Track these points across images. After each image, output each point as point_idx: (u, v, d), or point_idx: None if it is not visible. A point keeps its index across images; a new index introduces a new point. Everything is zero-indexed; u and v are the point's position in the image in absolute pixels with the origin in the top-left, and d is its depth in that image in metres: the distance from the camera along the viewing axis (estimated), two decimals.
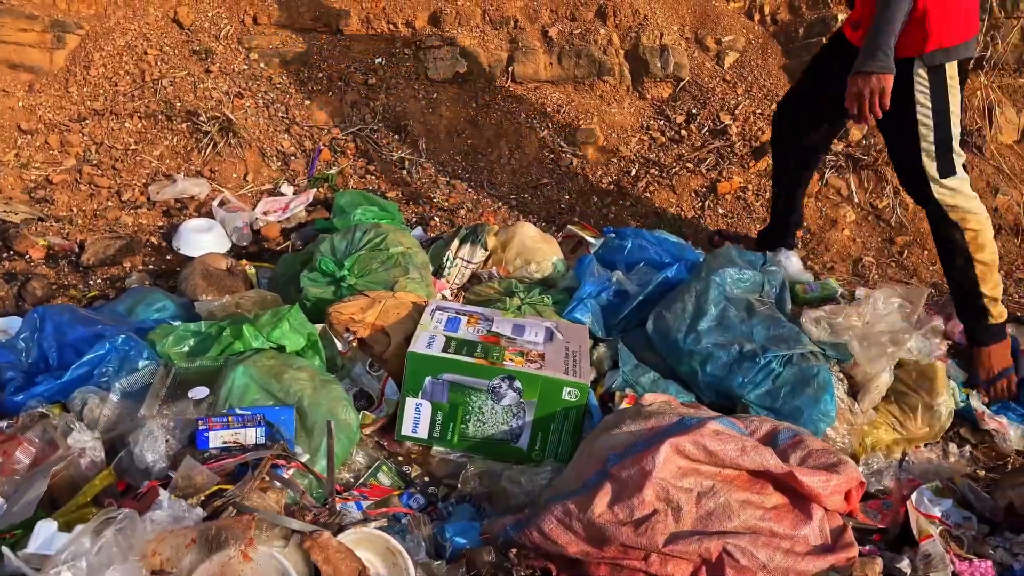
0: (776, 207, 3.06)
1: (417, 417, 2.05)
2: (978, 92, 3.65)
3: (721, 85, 3.97)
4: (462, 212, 3.52)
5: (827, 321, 2.39)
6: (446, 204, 3.59)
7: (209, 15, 4.11)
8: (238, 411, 1.99)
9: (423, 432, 2.07)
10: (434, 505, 2.01)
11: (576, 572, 1.73)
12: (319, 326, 2.24)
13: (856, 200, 3.47)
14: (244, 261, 2.82)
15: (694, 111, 3.89)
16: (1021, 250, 3.35)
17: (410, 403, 2.05)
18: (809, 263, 3.24)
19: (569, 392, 2.03)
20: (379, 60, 4.06)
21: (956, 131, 2.42)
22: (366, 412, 2.14)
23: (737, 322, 2.40)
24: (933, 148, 2.40)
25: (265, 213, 3.31)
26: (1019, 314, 2.97)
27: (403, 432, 2.08)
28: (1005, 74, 3.76)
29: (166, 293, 2.58)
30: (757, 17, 4.20)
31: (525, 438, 2.06)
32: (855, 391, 2.31)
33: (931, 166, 2.41)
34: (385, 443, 2.13)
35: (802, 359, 2.27)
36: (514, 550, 1.78)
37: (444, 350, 2.05)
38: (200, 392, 2.03)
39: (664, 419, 1.91)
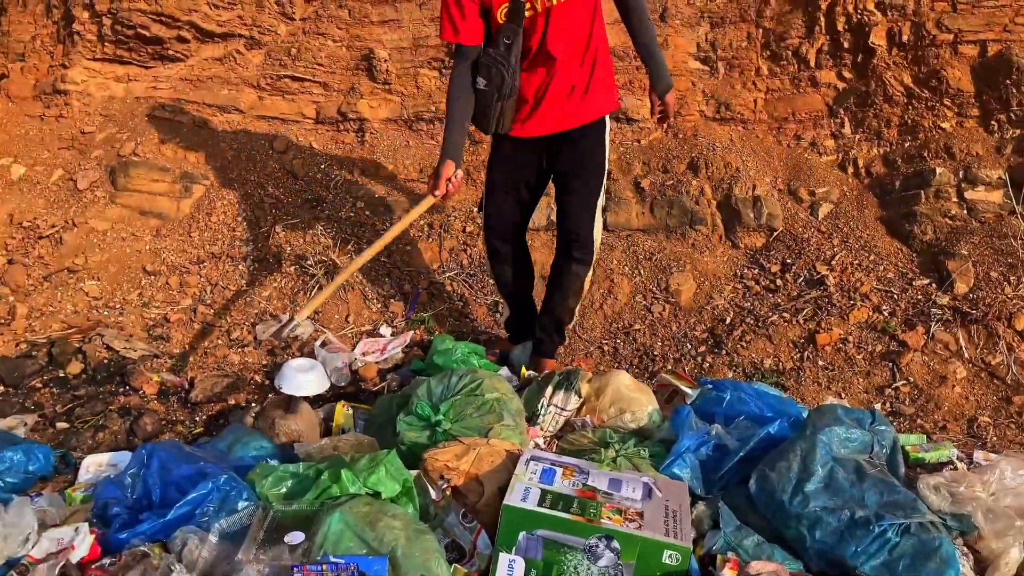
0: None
1: (510, 574, 1.99)
2: None
3: (816, 236, 3.97)
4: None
5: (947, 489, 2.24)
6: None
7: (321, 167, 4.42)
8: (332, 558, 1.98)
9: None
10: None
11: None
12: (414, 472, 2.24)
13: (966, 356, 3.32)
14: (343, 402, 2.88)
15: (789, 260, 3.88)
16: None
17: (503, 559, 1.99)
18: (920, 421, 3.08)
19: (670, 556, 1.94)
20: (476, 209, 4.24)
21: None
22: (457, 566, 2.09)
23: (847, 485, 2.26)
24: None
25: (364, 354, 3.40)
26: None
27: None
28: None
29: (262, 433, 2.64)
30: (851, 170, 4.23)
31: None
32: (981, 568, 2.12)
33: None
34: None
35: (921, 529, 2.12)
36: None
37: (540, 504, 2.01)
38: (296, 537, 2.03)
39: None
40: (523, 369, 3.18)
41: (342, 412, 2.79)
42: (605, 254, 3.99)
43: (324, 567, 1.90)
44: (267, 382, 3.26)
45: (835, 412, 2.46)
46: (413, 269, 3.99)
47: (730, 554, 2.19)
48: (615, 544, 1.94)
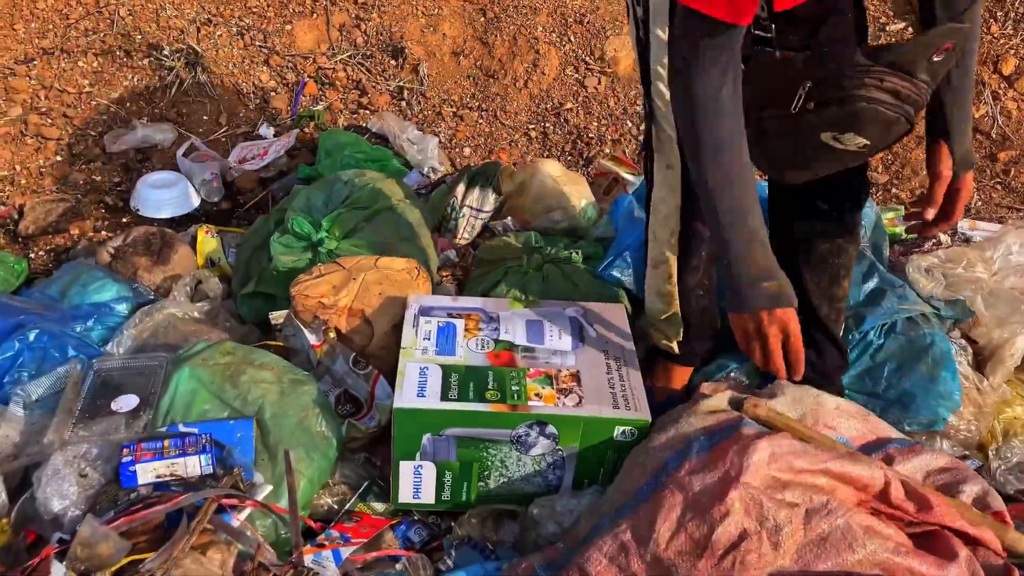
0: None
1: (418, 482, 1.53)
2: None
3: None
4: (467, 151, 2.98)
5: (941, 271, 1.85)
6: (453, 139, 3.06)
7: None
8: (181, 428, 1.54)
9: (428, 497, 1.55)
10: (438, 539, 1.55)
11: None
12: (282, 312, 1.76)
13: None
14: (205, 226, 2.33)
15: None
16: None
17: (406, 467, 1.53)
18: (895, 191, 2.67)
19: (623, 432, 1.49)
20: None
21: None
22: (352, 421, 1.67)
23: None
24: None
25: (240, 161, 2.81)
26: None
27: (401, 500, 1.56)
28: None
29: (108, 271, 2.11)
30: None
31: (567, 485, 1.55)
32: (981, 362, 1.79)
33: None
34: (378, 462, 1.67)
35: (909, 325, 1.75)
36: None
37: (444, 395, 1.48)
38: (129, 402, 1.57)
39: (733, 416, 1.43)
40: None
41: (204, 239, 2.24)
42: (527, 18, 3.32)
43: (166, 443, 1.46)
44: (121, 203, 2.67)
45: None
46: (296, 53, 3.28)
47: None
48: (550, 429, 1.49)
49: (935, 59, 1.24)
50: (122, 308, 1.99)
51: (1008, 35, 2.96)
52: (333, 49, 3.32)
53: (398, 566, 1.45)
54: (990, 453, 1.71)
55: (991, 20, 3.01)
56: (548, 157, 3.00)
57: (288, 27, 3.35)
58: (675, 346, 1.77)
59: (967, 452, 1.72)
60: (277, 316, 1.86)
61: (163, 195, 2.57)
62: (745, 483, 1.26)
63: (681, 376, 1.82)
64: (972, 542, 1.31)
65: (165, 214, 2.55)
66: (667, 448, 1.41)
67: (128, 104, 3.07)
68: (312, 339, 1.72)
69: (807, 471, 1.31)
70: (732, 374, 1.78)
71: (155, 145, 2.87)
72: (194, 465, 1.44)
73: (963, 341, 1.78)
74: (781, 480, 1.29)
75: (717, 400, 1.50)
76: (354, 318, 1.69)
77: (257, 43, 3.29)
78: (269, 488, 1.46)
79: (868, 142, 1.28)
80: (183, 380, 1.61)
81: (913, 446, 1.45)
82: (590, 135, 3.10)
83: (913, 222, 1.49)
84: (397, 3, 3.40)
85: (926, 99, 1.28)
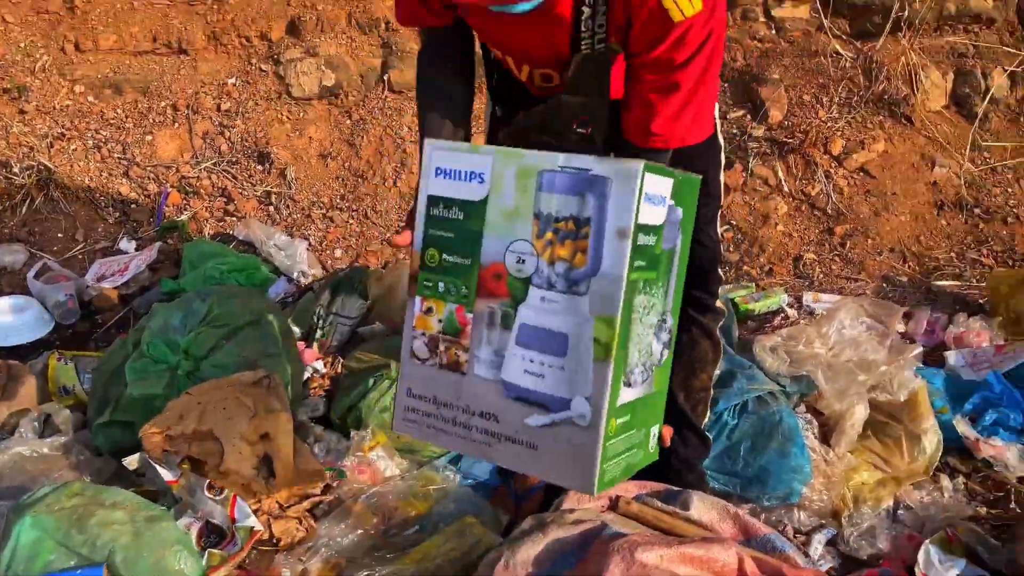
0: None
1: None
2: (900, 57, 3.32)
3: None
4: (338, 252, 2.99)
5: (785, 349, 1.97)
6: (324, 242, 3.06)
7: (21, 45, 3.47)
8: None
9: None
10: None
11: None
12: (135, 457, 1.70)
13: (786, 189, 3.09)
14: (56, 352, 2.23)
15: None
16: (968, 227, 3.03)
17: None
18: (746, 268, 2.84)
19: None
20: (232, 80, 3.49)
21: None
22: (213, 551, 1.61)
23: None
24: None
25: (99, 279, 2.72)
26: (980, 301, 2.63)
27: None
28: (925, 35, 3.45)
29: None
30: None
31: None
32: (827, 433, 1.90)
33: None
34: None
35: (759, 404, 1.84)
36: None
37: None
38: None
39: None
40: None
41: (55, 366, 2.14)
42: (392, 119, 3.41)
43: None
44: None
45: None
46: (158, 163, 3.24)
47: None
48: None
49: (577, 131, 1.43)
50: None
51: (834, 118, 3.24)
52: (197, 157, 3.30)
53: None
54: (843, 520, 1.80)
55: (818, 106, 3.30)
56: None
57: (149, 137, 3.31)
58: None
59: (823, 521, 1.81)
60: (131, 461, 1.77)
61: (11, 321, 2.45)
62: None
63: None
64: None
65: (13, 341, 2.42)
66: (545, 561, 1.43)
67: None
68: (168, 475, 1.66)
69: (668, 559, 1.35)
70: None
71: (4, 268, 2.74)
72: None
73: (808, 415, 1.89)
74: (648, 570, 1.32)
75: (580, 513, 1.53)
76: (204, 441, 1.64)
77: (116, 155, 3.23)
78: None
79: None
80: (24, 530, 1.51)
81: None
82: None
83: None
84: (262, 109, 3.43)
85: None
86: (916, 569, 1.65)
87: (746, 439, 1.79)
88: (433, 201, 1.02)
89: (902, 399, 1.90)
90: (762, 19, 3.54)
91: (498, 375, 1.00)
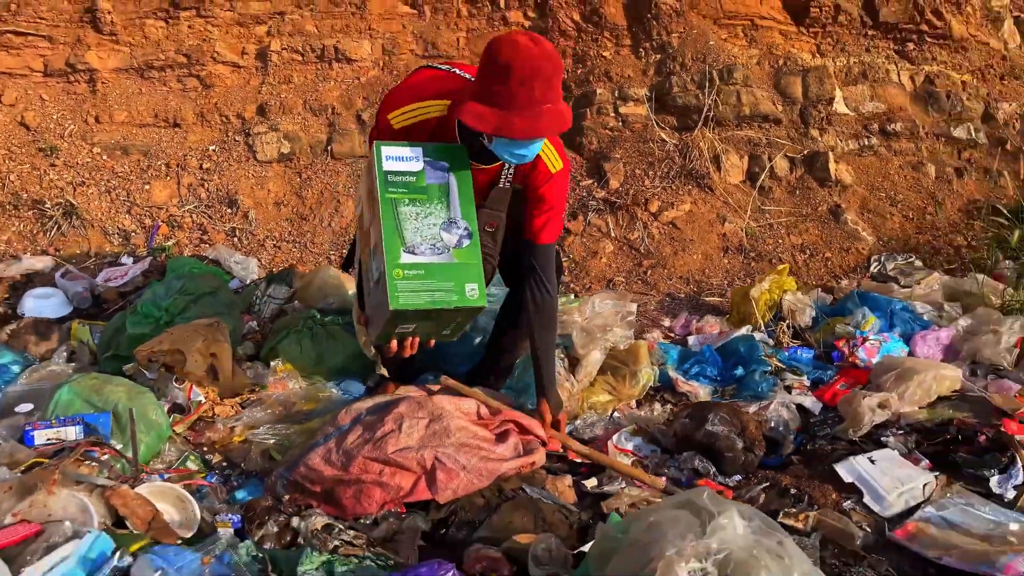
0: None
1: None
2: (708, 144, 4.54)
3: None
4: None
5: (561, 319, 3.06)
6: (271, 263, 4.15)
7: (54, 117, 4.61)
8: (61, 417, 2.46)
9: None
10: (230, 482, 2.50)
11: (332, 502, 2.25)
12: (131, 364, 2.73)
13: (614, 235, 4.23)
14: (78, 320, 3.27)
15: None
16: (743, 265, 4.17)
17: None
18: (573, 285, 3.94)
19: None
20: (213, 147, 4.64)
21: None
22: (176, 415, 2.63)
23: (484, 324, 3.03)
24: None
25: (106, 281, 3.77)
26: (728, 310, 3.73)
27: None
28: (729, 128, 4.67)
29: (5, 345, 3.02)
30: None
31: None
32: (579, 370, 2.96)
33: None
34: (191, 437, 2.62)
35: None
36: (286, 496, 2.30)
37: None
38: (25, 407, 2.49)
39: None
40: None
41: (78, 328, 3.19)
42: (331, 177, 4.55)
43: (53, 421, 2.38)
44: (10, 311, 3.56)
45: None
46: (153, 205, 4.35)
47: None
48: None
49: (488, 229, 2.35)
50: (15, 368, 2.89)
51: (655, 186, 4.42)
52: (183, 202, 4.41)
53: (204, 490, 2.39)
54: (579, 419, 2.85)
55: (645, 177, 4.48)
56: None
57: (147, 187, 4.43)
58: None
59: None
60: (128, 368, 2.81)
61: (43, 303, 3.50)
62: (396, 410, 2.33)
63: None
64: (526, 431, 2.41)
65: (44, 315, 3.46)
66: (364, 408, 2.47)
67: (16, 244, 4.00)
68: (150, 375, 2.70)
69: (436, 405, 2.39)
70: None
71: (38, 271, 3.80)
72: (71, 433, 2.36)
73: (562, 356, 2.96)
74: (420, 407, 2.36)
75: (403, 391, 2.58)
76: (173, 355, 2.68)
77: (121, 198, 4.33)
78: (120, 446, 2.39)
79: None
80: (63, 394, 2.54)
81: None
82: None
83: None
84: (233, 169, 4.56)
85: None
86: (609, 442, 2.69)
87: (519, 365, 2.86)
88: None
89: (622, 348, 2.99)
90: (612, 114, 4.76)
91: None
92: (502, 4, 5.08)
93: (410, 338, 2.19)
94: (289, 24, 4.94)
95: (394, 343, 2.19)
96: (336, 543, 1.97)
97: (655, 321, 3.64)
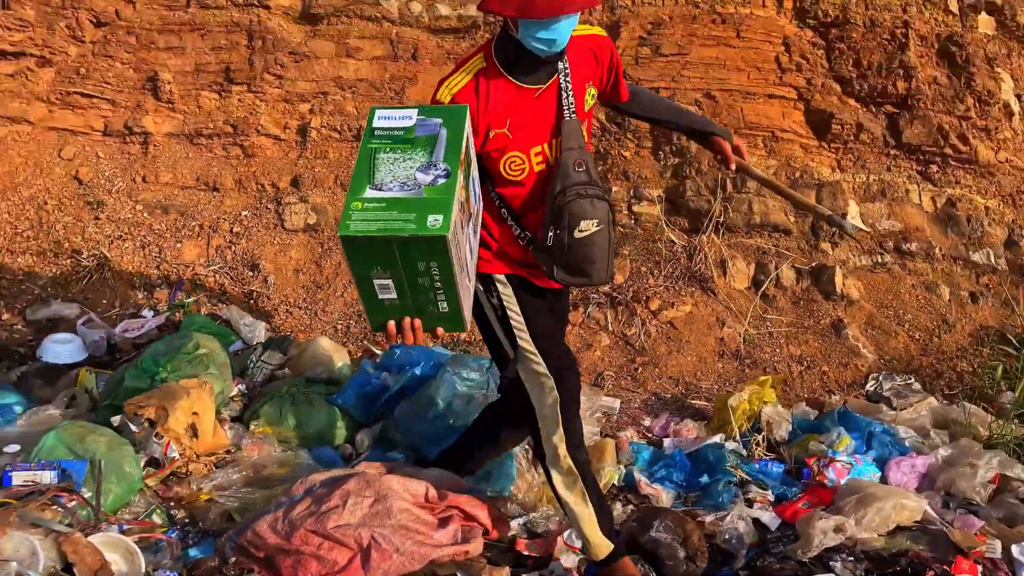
0: None
1: None
2: (713, 249, 4.63)
3: None
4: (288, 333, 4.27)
5: None
6: (282, 328, 4.35)
7: (106, 174, 4.98)
8: (41, 461, 2.64)
9: None
10: (187, 539, 2.63)
11: (272, 568, 2.36)
12: (118, 417, 2.91)
13: (611, 329, 4.33)
14: (86, 368, 3.50)
15: None
16: (737, 371, 4.21)
17: None
18: None
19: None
20: (245, 213, 4.93)
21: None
22: (151, 468, 2.79)
23: (460, 410, 3.14)
24: None
25: (123, 332, 4.02)
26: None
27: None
28: (737, 235, 4.77)
29: (12, 387, 3.25)
30: None
31: None
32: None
33: None
34: (161, 491, 2.77)
35: None
36: (232, 559, 2.41)
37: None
38: (12, 447, 2.68)
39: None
40: None
41: (84, 375, 3.41)
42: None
43: (32, 464, 2.56)
44: (30, 353, 3.81)
45: (463, 360, 3.33)
46: (181, 263, 4.63)
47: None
48: None
49: (577, 169, 2.18)
50: (18, 409, 3.11)
51: (659, 285, 4.51)
52: (209, 262, 4.68)
53: (161, 544, 2.52)
54: (533, 514, 2.90)
55: (650, 275, 4.59)
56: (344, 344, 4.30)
57: (179, 245, 4.72)
58: None
59: (522, 509, 2.91)
60: (115, 420, 2.99)
61: (61, 348, 3.74)
62: (345, 487, 2.44)
63: None
64: (471, 519, 2.49)
65: (60, 360, 3.70)
66: (310, 482, 2.59)
67: (49, 288, 4.30)
68: (134, 428, 2.87)
69: (384, 485, 2.49)
70: None
71: (63, 316, 4.07)
72: (47, 477, 2.54)
73: (529, 449, 3.04)
74: (367, 482, 2.47)
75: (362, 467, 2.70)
76: (159, 410, 2.86)
77: (153, 254, 4.63)
78: (89, 495, 2.55)
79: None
80: (49, 439, 2.73)
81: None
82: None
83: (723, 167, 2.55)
84: (261, 234, 4.83)
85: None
86: (560, 538, 2.74)
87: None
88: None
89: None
90: (625, 212, 4.91)
91: None
92: None
93: (408, 319, 1.88)
94: (331, 104, 5.27)
95: (391, 325, 1.90)
96: None
97: (635, 419, 3.69)
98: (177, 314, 4.31)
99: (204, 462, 2.91)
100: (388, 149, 1.84)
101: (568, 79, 2.17)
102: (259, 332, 4.07)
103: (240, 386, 3.37)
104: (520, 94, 2.16)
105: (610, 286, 4.53)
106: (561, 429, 2.36)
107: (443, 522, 2.46)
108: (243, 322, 4.12)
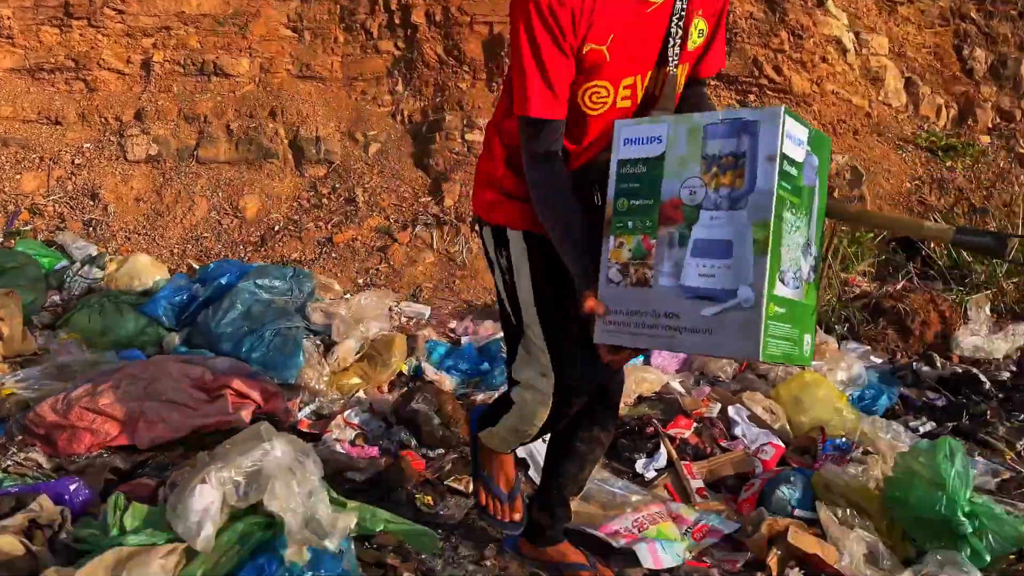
0: None
1: None
2: None
3: (363, 167, 5.17)
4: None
5: (324, 311, 3.46)
6: (117, 253, 4.54)
7: None
8: None
9: None
10: None
11: (50, 443, 2.62)
12: None
13: (436, 247, 4.65)
14: None
15: (337, 185, 5.05)
16: None
17: None
18: (385, 288, 4.35)
19: None
20: (88, 145, 5.05)
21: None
22: None
23: (259, 314, 3.42)
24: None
25: None
26: None
27: None
28: None
29: None
30: (399, 118, 5.48)
31: None
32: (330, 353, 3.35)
33: None
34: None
35: (288, 331, 3.31)
36: (19, 437, 2.66)
37: None
38: None
39: None
40: None
41: None
42: (190, 179, 4.96)
43: None
44: None
45: (267, 270, 3.60)
46: (20, 194, 4.74)
47: None
48: None
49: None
50: None
51: None
52: (49, 192, 4.80)
53: None
54: (320, 400, 3.23)
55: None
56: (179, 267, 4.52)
57: (18, 177, 4.82)
58: None
59: (317, 397, 3.23)
60: None
61: None
62: (117, 375, 2.71)
63: None
64: (244, 396, 2.79)
65: None
66: (97, 371, 2.85)
67: None
68: None
69: (161, 369, 2.77)
70: None
71: None
72: None
73: (319, 342, 3.35)
74: (145, 367, 2.75)
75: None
76: None
77: None
78: None
79: None
80: None
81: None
82: (213, 252, 4.66)
83: None
84: (103, 165, 4.97)
85: None
86: (340, 416, 3.07)
87: (276, 348, 3.25)
88: (622, 163, 1.32)
89: (379, 339, 3.40)
90: (459, 139, 5.20)
91: (677, 282, 1.25)
92: (375, 34, 5.54)
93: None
94: (174, 38, 5.38)
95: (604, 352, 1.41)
96: (8, 463, 2.33)
97: (443, 323, 4.04)
98: (11, 241, 4.45)
99: (10, 363, 3.13)
100: (789, 204, 1.27)
101: (680, 29, 1.57)
102: (88, 253, 4.25)
103: (55, 297, 3.57)
104: (634, 3, 1.54)
105: (438, 207, 4.84)
106: (518, 443, 1.82)
107: (215, 399, 2.75)
108: (75, 246, 4.29)
